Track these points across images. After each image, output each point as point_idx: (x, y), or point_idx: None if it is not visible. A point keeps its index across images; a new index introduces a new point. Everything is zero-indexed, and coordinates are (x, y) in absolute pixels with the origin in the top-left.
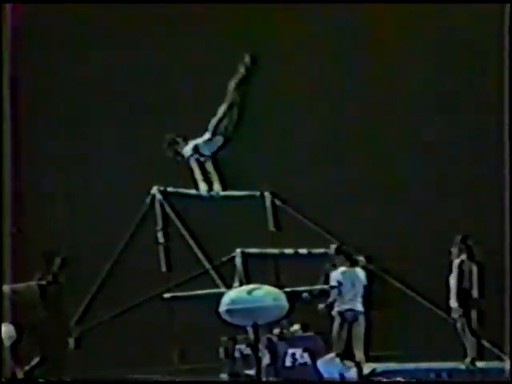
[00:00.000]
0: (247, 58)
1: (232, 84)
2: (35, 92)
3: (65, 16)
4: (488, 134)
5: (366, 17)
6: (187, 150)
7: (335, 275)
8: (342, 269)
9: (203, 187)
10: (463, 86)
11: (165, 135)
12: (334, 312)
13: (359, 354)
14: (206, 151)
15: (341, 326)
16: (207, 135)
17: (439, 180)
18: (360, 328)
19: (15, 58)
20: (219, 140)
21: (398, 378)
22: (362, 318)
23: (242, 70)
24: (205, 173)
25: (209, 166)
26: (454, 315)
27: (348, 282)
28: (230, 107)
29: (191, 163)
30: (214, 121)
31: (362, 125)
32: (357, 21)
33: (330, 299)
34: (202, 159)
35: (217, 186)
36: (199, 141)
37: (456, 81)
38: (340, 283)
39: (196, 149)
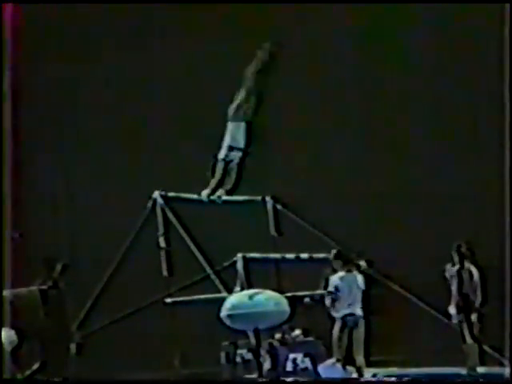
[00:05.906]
0: (269, 45)
1: (250, 70)
2: (36, 92)
3: (65, 16)
4: (488, 134)
5: (366, 17)
6: (222, 153)
7: (333, 280)
8: (340, 274)
9: (206, 192)
10: (463, 86)
11: None
12: (336, 316)
13: (360, 359)
14: (236, 143)
15: (341, 330)
16: (230, 126)
17: (439, 183)
18: (360, 333)
19: (15, 58)
20: (241, 126)
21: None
22: (362, 323)
23: (261, 56)
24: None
25: (219, 169)
26: (454, 321)
27: (346, 287)
28: (248, 93)
29: (219, 165)
30: (232, 107)
31: (362, 128)
32: (356, 21)
33: (327, 304)
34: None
35: (220, 191)
36: (227, 140)
37: (456, 80)
38: (337, 289)
39: (231, 148)
